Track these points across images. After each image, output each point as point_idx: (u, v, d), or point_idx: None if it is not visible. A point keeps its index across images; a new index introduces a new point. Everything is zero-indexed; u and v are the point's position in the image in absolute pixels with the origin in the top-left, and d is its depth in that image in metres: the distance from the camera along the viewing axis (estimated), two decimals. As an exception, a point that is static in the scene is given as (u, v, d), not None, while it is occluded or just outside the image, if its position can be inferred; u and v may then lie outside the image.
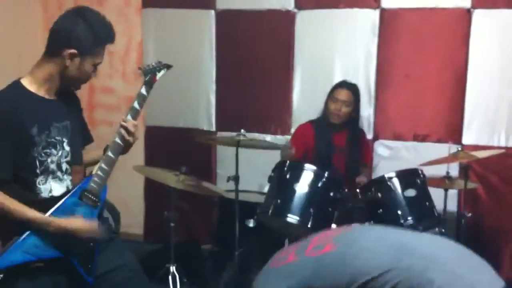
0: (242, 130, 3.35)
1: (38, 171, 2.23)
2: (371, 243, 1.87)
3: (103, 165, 2.34)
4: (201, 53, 4.59)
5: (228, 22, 4.51)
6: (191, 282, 3.66)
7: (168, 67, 2.61)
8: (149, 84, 2.51)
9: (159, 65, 2.58)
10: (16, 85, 2.26)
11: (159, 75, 2.56)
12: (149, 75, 2.53)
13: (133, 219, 4.81)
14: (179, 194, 3.67)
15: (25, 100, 2.22)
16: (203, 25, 4.56)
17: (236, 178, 3.39)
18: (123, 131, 2.39)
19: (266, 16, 4.41)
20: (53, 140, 2.28)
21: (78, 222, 2.23)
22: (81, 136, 2.50)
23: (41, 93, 2.28)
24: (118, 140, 2.39)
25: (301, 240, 2.06)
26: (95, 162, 2.47)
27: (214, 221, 4.38)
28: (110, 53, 4.82)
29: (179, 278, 3.52)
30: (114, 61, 4.85)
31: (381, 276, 1.75)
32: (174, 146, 4.67)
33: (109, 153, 2.37)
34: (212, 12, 4.53)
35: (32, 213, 2.16)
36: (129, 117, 2.42)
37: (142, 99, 2.48)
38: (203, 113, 4.63)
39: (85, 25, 2.25)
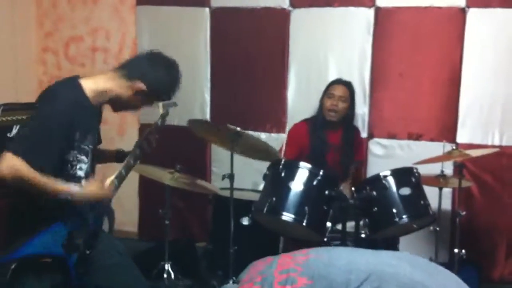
0: (238, 129, 3.35)
1: (67, 173, 2.30)
2: (342, 273, 1.85)
3: (115, 180, 2.44)
4: (195, 51, 4.59)
5: (222, 19, 4.51)
6: (185, 279, 3.66)
7: (176, 105, 2.77)
8: (164, 118, 2.70)
9: (172, 102, 2.71)
10: (77, 86, 2.32)
11: (170, 110, 2.74)
12: (166, 109, 2.68)
13: (127, 216, 4.80)
14: (174, 192, 3.67)
15: (80, 105, 2.29)
16: (198, 23, 4.56)
17: (231, 176, 3.39)
18: (145, 143, 2.59)
19: (261, 14, 4.41)
20: (85, 147, 2.36)
21: (93, 186, 2.31)
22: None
23: (93, 101, 2.34)
24: (137, 151, 2.58)
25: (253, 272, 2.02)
26: (105, 162, 2.71)
27: (208, 219, 4.37)
28: (104, 51, 4.83)
29: (174, 275, 3.52)
30: (108, 58, 4.84)
31: None
32: (169, 144, 4.64)
33: (122, 171, 2.48)
34: (207, 9, 4.52)
35: (59, 184, 2.22)
36: (144, 144, 2.62)
37: (158, 130, 2.71)
38: (197, 111, 4.62)
39: (171, 80, 2.43)
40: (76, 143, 2.30)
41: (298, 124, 3.96)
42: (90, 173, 2.44)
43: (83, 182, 2.36)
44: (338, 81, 3.88)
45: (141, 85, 2.36)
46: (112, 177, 2.43)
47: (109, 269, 2.44)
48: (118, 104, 2.44)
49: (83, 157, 2.35)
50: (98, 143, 2.67)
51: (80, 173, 2.36)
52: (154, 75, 2.39)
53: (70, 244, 2.26)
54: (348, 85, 3.85)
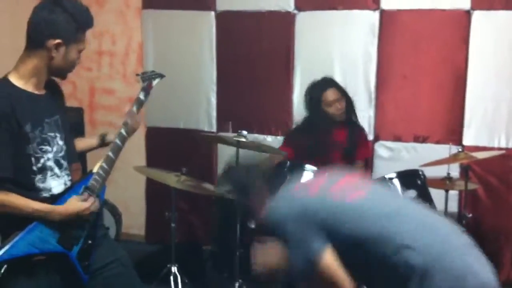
0: (245, 132, 3.36)
1: (35, 168, 2.23)
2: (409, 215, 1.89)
3: (103, 165, 2.38)
4: (201, 54, 4.60)
5: (228, 23, 4.52)
6: (192, 282, 3.67)
7: (162, 76, 2.69)
8: (147, 90, 2.58)
9: (154, 73, 2.66)
10: (6, 82, 2.24)
11: (154, 82, 2.63)
12: (146, 82, 2.59)
13: (134, 220, 4.82)
14: (180, 194, 3.68)
15: (17, 97, 2.21)
16: (203, 27, 4.57)
17: (237, 179, 3.40)
18: (129, 120, 2.46)
19: (266, 17, 4.41)
20: (46, 136, 2.27)
21: (75, 202, 2.27)
22: (72, 130, 2.50)
23: (29, 88, 2.26)
24: (123, 131, 2.45)
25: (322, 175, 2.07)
26: (88, 150, 2.61)
27: (215, 221, 4.39)
28: (110, 55, 4.85)
29: (181, 278, 3.53)
30: (114, 62, 4.85)
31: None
32: (175, 147, 4.68)
33: (110, 153, 2.40)
34: (212, 13, 4.53)
35: (36, 204, 2.20)
36: (128, 119, 2.48)
37: (140, 104, 2.56)
38: (203, 114, 4.64)
39: (65, 13, 2.24)
40: (30, 135, 2.21)
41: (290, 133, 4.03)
42: (68, 161, 2.35)
43: (57, 170, 2.31)
44: (326, 86, 3.86)
45: (54, 41, 2.23)
46: (99, 163, 2.38)
47: (110, 280, 2.42)
48: (57, 71, 2.32)
49: (47, 147, 2.27)
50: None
51: (50, 163, 2.28)
52: (53, 23, 2.23)
53: (66, 238, 2.25)
54: (334, 84, 3.87)
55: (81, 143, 2.63)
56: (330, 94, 3.81)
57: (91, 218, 2.34)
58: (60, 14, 2.23)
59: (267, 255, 2.02)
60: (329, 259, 1.85)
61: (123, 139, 2.46)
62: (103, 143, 2.59)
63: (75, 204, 2.27)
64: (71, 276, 2.29)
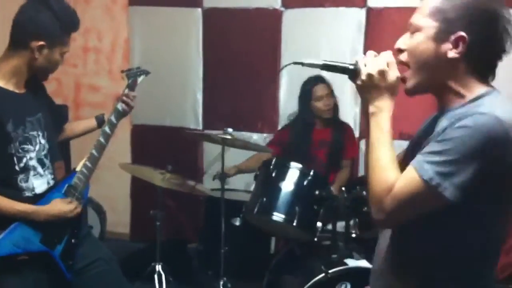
0: (230, 129, 3.35)
1: (17, 168, 2.21)
2: None
3: (87, 163, 2.38)
4: (188, 51, 4.58)
5: (215, 20, 4.51)
6: (177, 280, 3.65)
7: (147, 73, 2.67)
8: (132, 88, 2.57)
9: (139, 70, 2.65)
10: None
11: (139, 79, 2.62)
12: (131, 79, 2.59)
13: (119, 218, 4.80)
14: (166, 192, 3.66)
15: None
16: (190, 23, 4.55)
17: (221, 177, 3.39)
18: (122, 105, 2.49)
19: (253, 15, 4.40)
20: (28, 135, 2.26)
21: (58, 204, 2.27)
22: (56, 128, 2.50)
23: (10, 87, 2.24)
24: (113, 118, 2.46)
25: None
26: (86, 132, 2.64)
27: (200, 219, 4.38)
28: (96, 51, 4.82)
29: (165, 276, 3.51)
30: (100, 59, 4.82)
31: None
32: (161, 145, 4.66)
33: (94, 152, 2.39)
34: (199, 10, 4.52)
35: (20, 205, 2.19)
36: (112, 118, 2.48)
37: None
38: (190, 112, 4.62)
39: (51, 15, 2.22)
40: (13, 134, 2.19)
41: (281, 131, 4.01)
42: (51, 160, 2.34)
43: (40, 169, 2.29)
44: (317, 81, 3.86)
45: (37, 42, 2.20)
46: (82, 161, 2.38)
47: (95, 278, 2.42)
48: (38, 72, 2.30)
49: (29, 146, 2.25)
50: (60, 122, 2.59)
51: (33, 162, 2.26)
52: (38, 24, 2.20)
53: (49, 238, 2.25)
54: (325, 81, 3.87)
55: (79, 126, 2.66)
56: (320, 89, 3.80)
57: (75, 219, 2.34)
58: (46, 15, 2.21)
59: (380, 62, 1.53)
60: (437, 203, 1.45)
61: (107, 137, 2.45)
62: (102, 123, 2.58)
63: (59, 206, 2.27)
64: (56, 275, 2.29)
